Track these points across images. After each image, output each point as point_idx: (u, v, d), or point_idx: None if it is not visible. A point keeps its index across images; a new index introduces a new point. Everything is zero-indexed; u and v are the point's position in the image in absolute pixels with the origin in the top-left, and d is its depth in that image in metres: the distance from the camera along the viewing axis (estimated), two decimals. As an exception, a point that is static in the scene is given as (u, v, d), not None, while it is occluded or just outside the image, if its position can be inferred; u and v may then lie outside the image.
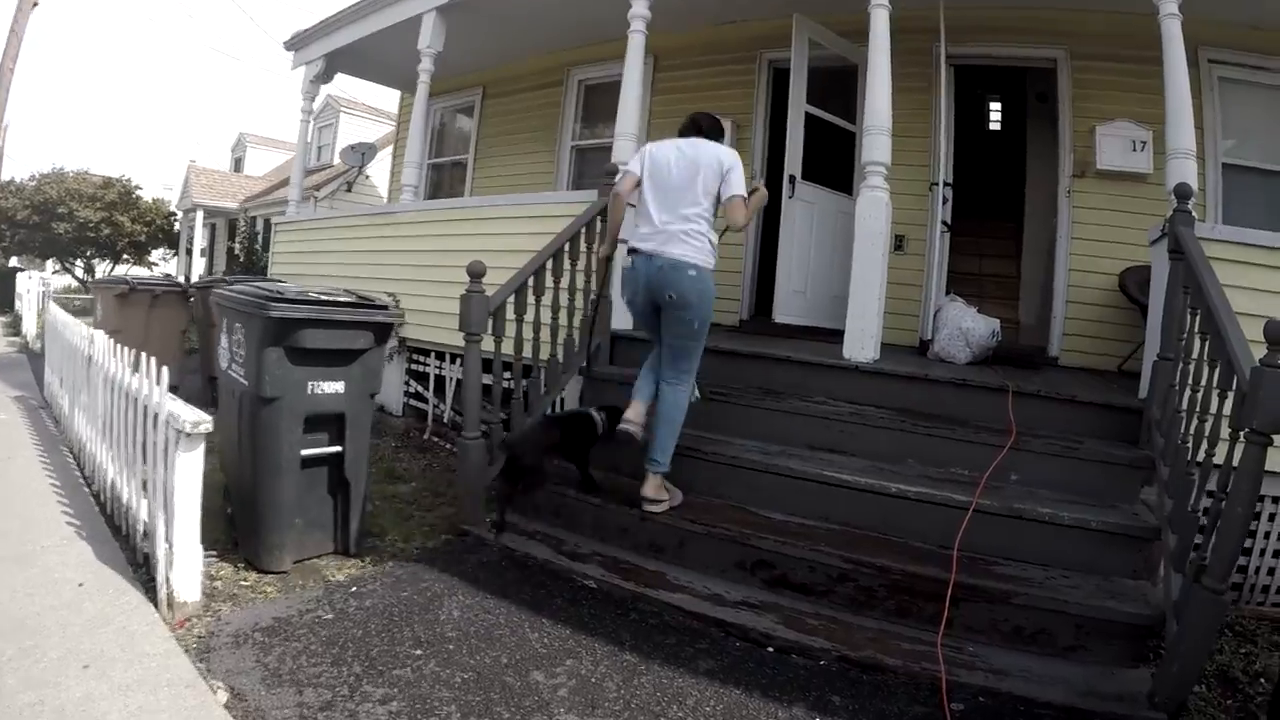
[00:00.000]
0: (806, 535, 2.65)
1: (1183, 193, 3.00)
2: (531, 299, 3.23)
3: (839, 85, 5.20)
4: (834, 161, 5.02)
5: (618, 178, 3.08)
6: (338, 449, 2.69)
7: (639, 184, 2.84)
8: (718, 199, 2.75)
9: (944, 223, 4.80)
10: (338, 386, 2.65)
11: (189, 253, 19.07)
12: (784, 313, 4.71)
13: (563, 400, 3.73)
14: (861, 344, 3.52)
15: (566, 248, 3.42)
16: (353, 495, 2.74)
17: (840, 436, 3.18)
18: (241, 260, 14.03)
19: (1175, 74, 3.30)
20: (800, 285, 4.79)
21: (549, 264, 3.30)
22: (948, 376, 3.39)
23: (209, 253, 19.50)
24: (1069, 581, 2.43)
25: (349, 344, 2.64)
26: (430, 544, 2.95)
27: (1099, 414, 3.16)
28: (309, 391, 2.57)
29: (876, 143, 3.56)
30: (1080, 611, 2.28)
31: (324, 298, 2.65)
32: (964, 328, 4.04)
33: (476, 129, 7.69)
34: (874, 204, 3.56)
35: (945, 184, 4.52)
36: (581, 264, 3.63)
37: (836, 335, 4.97)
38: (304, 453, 2.58)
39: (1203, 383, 2.36)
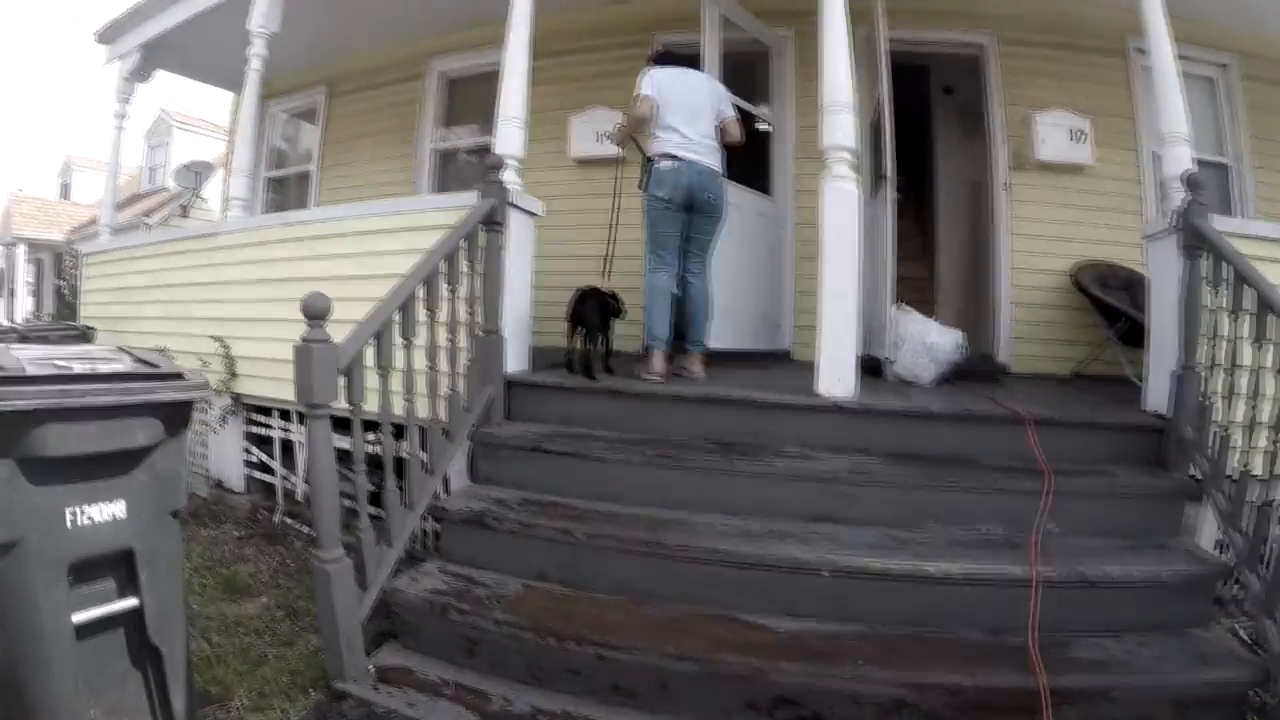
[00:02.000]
0: (834, 652, 2.11)
1: (1195, 181, 2.88)
2: (400, 340, 2.43)
3: (745, 74, 4.89)
4: (747, 159, 4.68)
5: (638, 96, 3.56)
6: (132, 602, 1.80)
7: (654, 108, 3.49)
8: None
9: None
10: (116, 509, 1.74)
11: (13, 293, 17.66)
12: (713, 337, 4.24)
13: (447, 480, 2.96)
14: (838, 375, 3.07)
15: (443, 268, 2.69)
16: (168, 665, 1.83)
17: (838, 501, 2.67)
18: (69, 299, 12.12)
19: (1161, 56, 3.25)
20: (730, 302, 4.35)
21: (420, 292, 2.56)
22: (948, 409, 3.09)
23: (37, 291, 18.09)
24: (1150, 650, 2.18)
25: (123, 441, 1.75)
26: (294, 713, 2.13)
27: (1117, 437, 3.01)
28: (70, 523, 1.67)
29: (839, 123, 3.14)
30: (1180, 689, 2.07)
31: (72, 368, 1.75)
32: (929, 343, 3.79)
33: (322, 134, 6.89)
34: (843, 199, 3.15)
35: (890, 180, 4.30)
36: (464, 290, 2.91)
37: (768, 359, 4.72)
38: (78, 618, 1.67)
39: (1269, 393, 2.18)
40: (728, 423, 3.05)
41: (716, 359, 4.14)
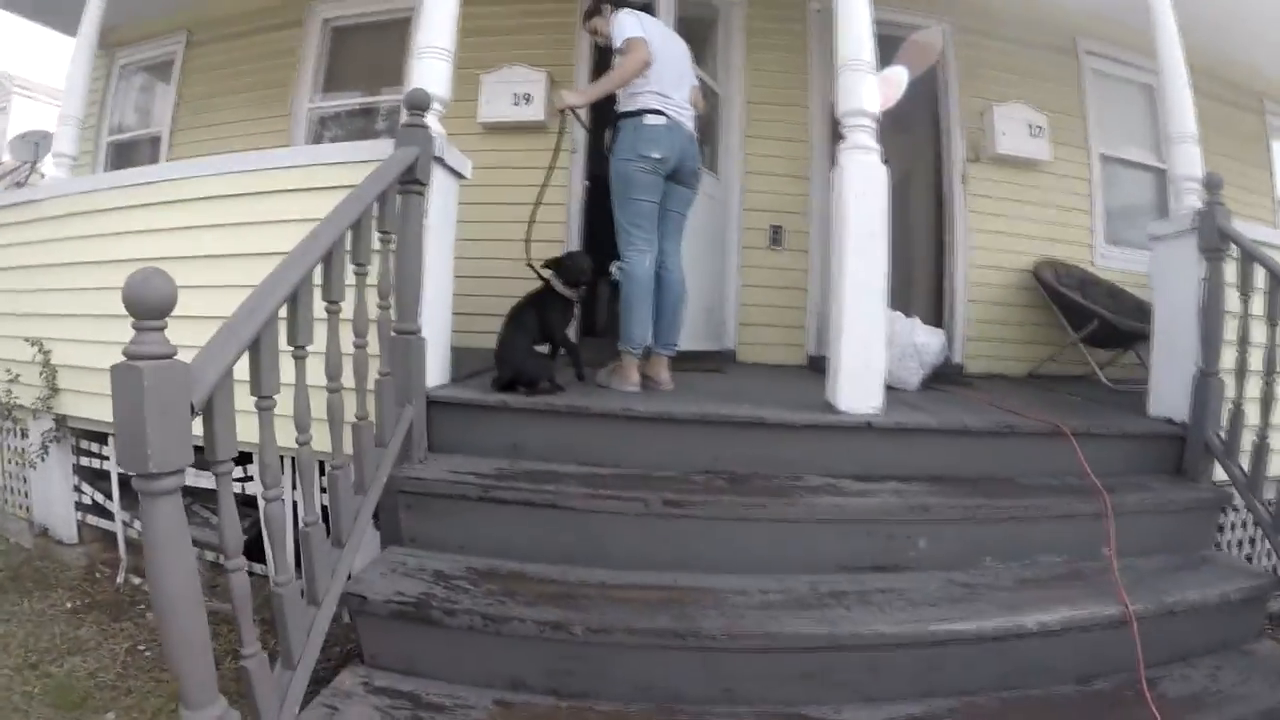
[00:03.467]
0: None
1: (1215, 182, 2.71)
2: (288, 347, 1.58)
3: (689, 40, 4.29)
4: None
5: (631, 39, 2.80)
6: None
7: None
8: None
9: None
10: None
11: None
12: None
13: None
14: (866, 388, 2.52)
15: (348, 242, 1.85)
16: None
17: (889, 545, 2.15)
18: None
19: (1170, 59, 3.06)
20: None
21: (318, 276, 1.71)
22: (986, 424, 2.64)
23: None
24: (1229, 674, 2.07)
25: None
26: None
27: (1140, 445, 2.81)
28: None
29: (859, 85, 2.59)
30: (1273, 708, 1.92)
31: None
32: (918, 344, 3.36)
33: (178, 90, 5.55)
34: (869, 174, 2.57)
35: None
36: (375, 273, 2.06)
37: (714, 360, 4.12)
38: None
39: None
40: (734, 449, 2.42)
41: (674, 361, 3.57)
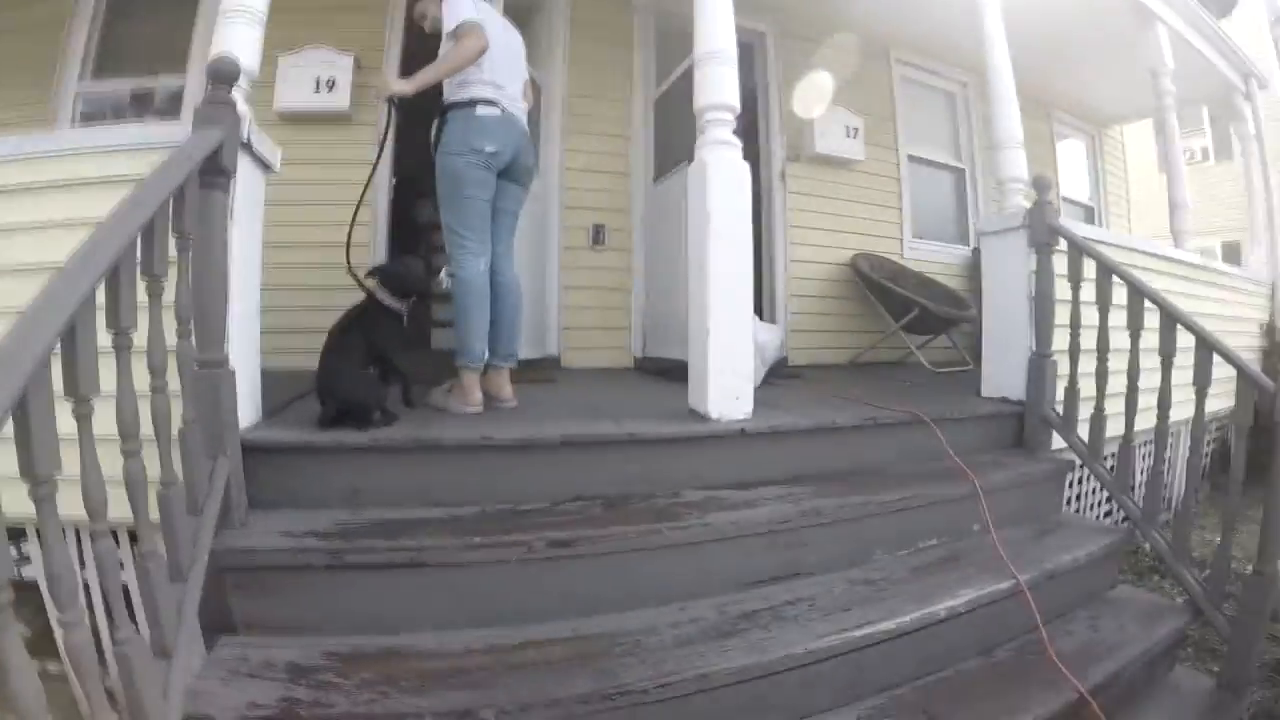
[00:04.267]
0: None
1: (1045, 183, 3.01)
2: (68, 398, 1.13)
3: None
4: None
5: (466, 23, 2.50)
6: None
7: None
8: None
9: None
10: None
11: None
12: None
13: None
14: (736, 393, 2.46)
15: (139, 252, 1.40)
16: None
17: (788, 555, 2.11)
18: None
19: (996, 58, 3.35)
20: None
21: (101, 297, 1.27)
22: (851, 420, 2.67)
23: None
24: (1108, 623, 2.31)
25: None
26: None
27: (986, 425, 3.05)
28: None
29: (720, 77, 2.53)
30: (1151, 648, 2.22)
31: None
32: (759, 342, 3.37)
33: None
34: (731, 172, 2.52)
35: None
36: (171, 291, 1.61)
37: (539, 367, 3.94)
38: None
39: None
40: (603, 471, 2.23)
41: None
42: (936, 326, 4.59)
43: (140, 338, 1.41)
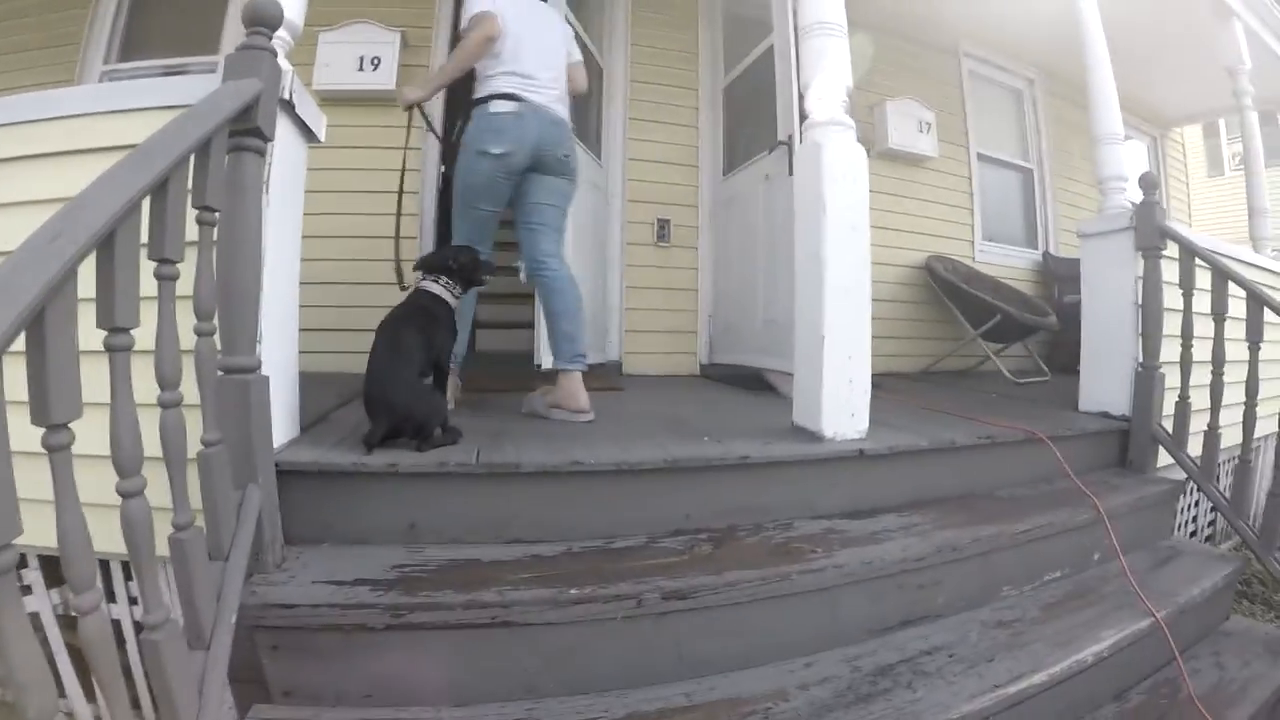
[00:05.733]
0: None
1: (1151, 182, 2.68)
2: (46, 425, 0.79)
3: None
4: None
5: (475, 15, 2.36)
6: None
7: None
8: None
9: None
10: None
11: None
12: (549, 351, 2.96)
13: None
14: (853, 409, 2.09)
15: (146, 223, 1.04)
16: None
17: (917, 595, 1.77)
18: None
19: (1097, 59, 3.05)
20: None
21: (118, 276, 0.91)
22: (970, 438, 2.30)
23: None
24: (1231, 659, 2.01)
25: None
26: None
27: (1092, 442, 2.68)
28: None
29: (831, 51, 2.17)
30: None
31: None
32: None
33: None
34: (850, 157, 2.15)
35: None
36: (191, 271, 1.24)
37: (600, 375, 3.57)
38: None
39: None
40: (705, 500, 1.86)
41: (548, 379, 2.97)
42: (1015, 334, 4.18)
43: (145, 339, 1.05)
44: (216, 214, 1.29)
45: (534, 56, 2.45)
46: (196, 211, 1.26)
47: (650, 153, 3.87)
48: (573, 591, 1.41)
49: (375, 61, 3.40)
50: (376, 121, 3.20)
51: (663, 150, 3.89)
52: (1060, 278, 4.86)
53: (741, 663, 1.52)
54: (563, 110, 2.55)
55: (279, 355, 1.63)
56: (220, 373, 1.37)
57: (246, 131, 1.41)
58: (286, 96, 1.56)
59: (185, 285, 1.17)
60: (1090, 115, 3.00)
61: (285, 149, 1.62)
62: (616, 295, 3.87)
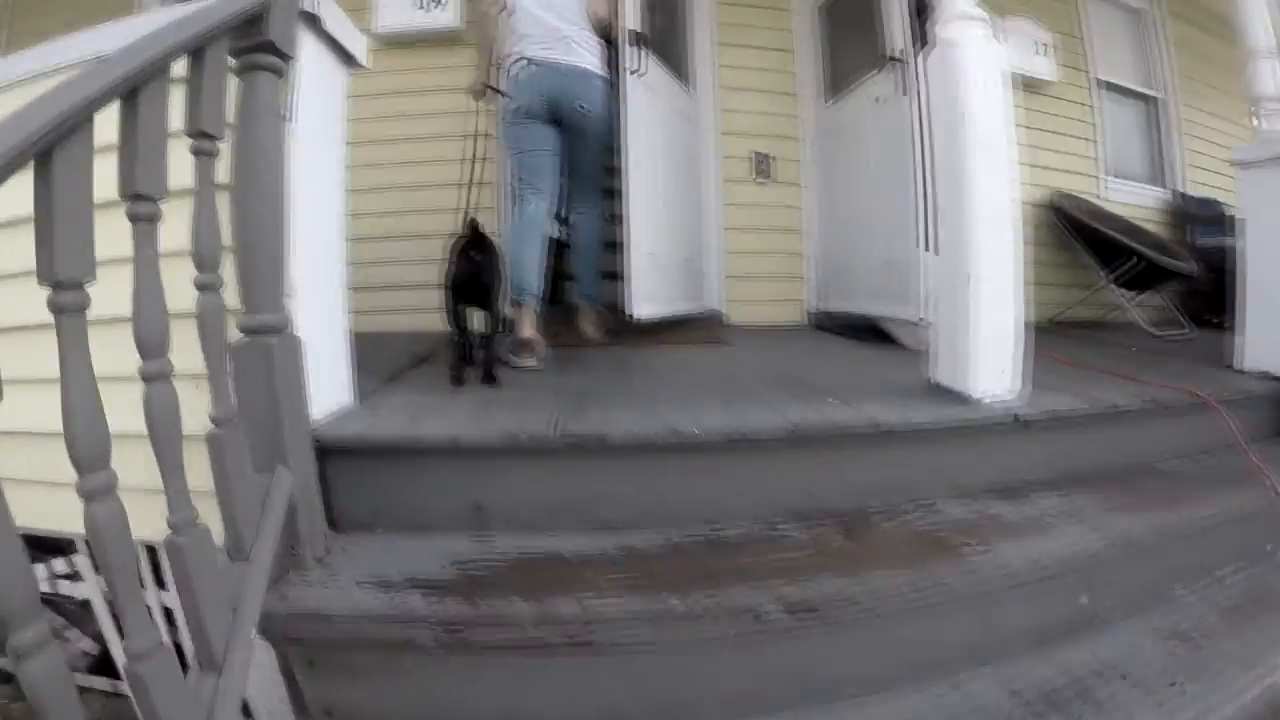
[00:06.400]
0: None
1: None
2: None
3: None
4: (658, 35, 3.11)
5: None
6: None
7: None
8: None
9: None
10: None
11: None
12: (645, 298, 2.67)
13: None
14: (1002, 364, 1.69)
15: (115, 137, 0.81)
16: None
17: (1080, 596, 1.38)
18: None
19: None
20: (653, 244, 2.79)
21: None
22: (1133, 401, 1.87)
23: None
24: None
25: None
26: None
27: (1260, 407, 2.17)
28: None
29: None
30: None
31: None
32: None
33: None
34: (987, 52, 1.79)
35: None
36: (194, 221, 1.01)
37: (697, 326, 3.16)
38: None
39: None
40: (831, 474, 1.52)
41: (640, 332, 2.74)
42: (1151, 281, 3.60)
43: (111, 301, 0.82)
44: (217, 143, 1.05)
45: (538, 15, 2.49)
46: (192, 139, 1.02)
47: (743, 80, 3.43)
48: (674, 603, 1.12)
49: (438, -2, 3.13)
50: (439, 63, 2.95)
51: (757, 77, 3.44)
52: (1194, 219, 4.20)
53: (877, 687, 1.19)
54: (579, 55, 2.50)
55: (318, 311, 1.41)
56: (241, 334, 1.15)
57: (257, 47, 1.15)
58: (309, 8, 1.29)
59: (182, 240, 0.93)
60: (1238, 24, 2.46)
61: (315, 71, 1.36)
62: (714, 236, 3.49)
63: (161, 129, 0.91)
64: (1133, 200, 4.22)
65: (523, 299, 2.36)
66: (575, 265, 2.80)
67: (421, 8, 3.11)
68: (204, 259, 1.03)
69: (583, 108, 2.49)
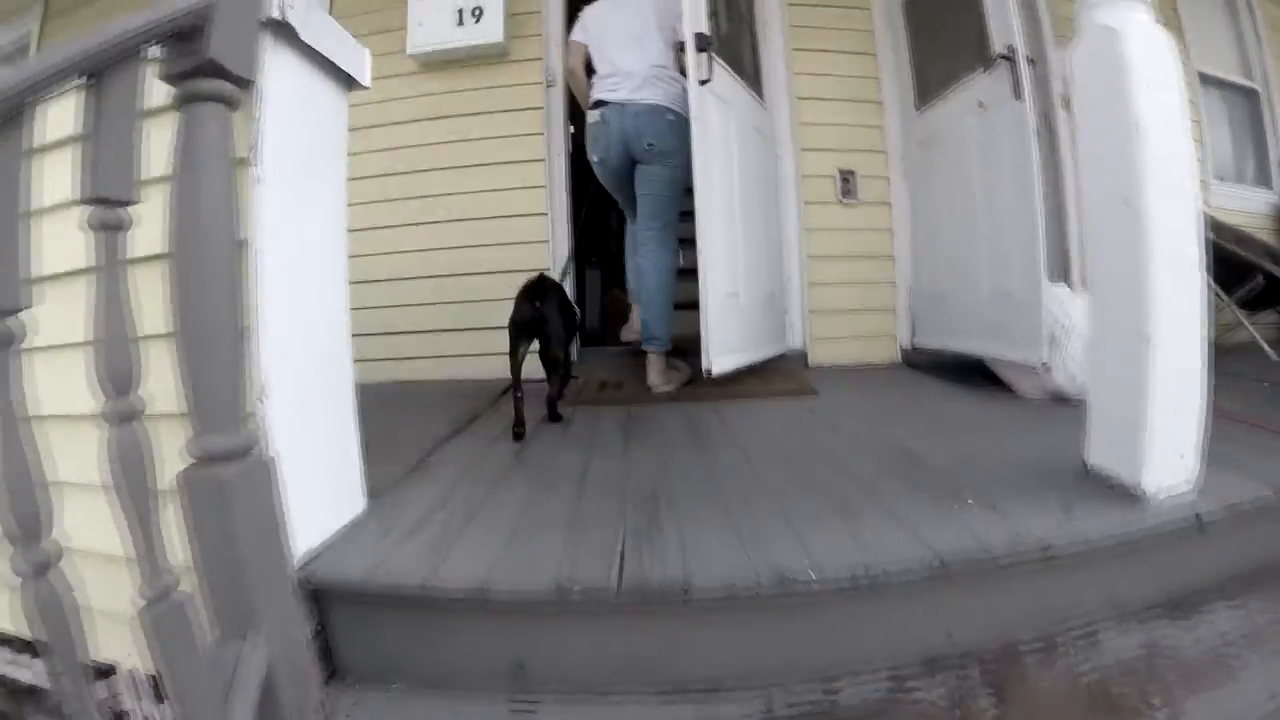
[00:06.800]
0: None
1: None
2: None
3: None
4: (728, 45, 2.75)
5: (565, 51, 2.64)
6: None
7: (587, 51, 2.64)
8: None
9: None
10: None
11: None
12: (724, 350, 2.30)
13: None
14: (1182, 446, 1.25)
15: None
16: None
17: None
18: None
19: None
20: (732, 282, 2.43)
21: None
22: None
23: None
24: None
25: None
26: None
27: None
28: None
29: None
30: None
31: None
32: (1075, 324, 2.18)
33: None
34: (1157, 45, 1.31)
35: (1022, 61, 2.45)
36: (74, 319, 0.70)
37: (781, 368, 2.76)
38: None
39: None
40: (973, 608, 1.12)
41: (715, 381, 2.37)
42: (1271, 300, 3.14)
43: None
44: (126, 211, 0.74)
45: (613, 52, 2.53)
46: (94, 205, 0.71)
47: (821, 88, 3.01)
48: None
49: (477, 12, 2.81)
50: (482, 83, 2.66)
51: (835, 85, 3.01)
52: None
53: None
54: (653, 91, 2.50)
55: (307, 409, 1.10)
56: (191, 461, 0.84)
57: (195, 71, 0.84)
58: (277, 15, 0.98)
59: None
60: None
61: (291, 98, 1.05)
62: (795, 266, 3.08)
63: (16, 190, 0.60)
64: (1238, 206, 3.68)
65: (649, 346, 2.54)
66: (642, 309, 2.65)
67: (460, 24, 2.81)
68: (115, 368, 0.72)
69: (650, 147, 2.50)
